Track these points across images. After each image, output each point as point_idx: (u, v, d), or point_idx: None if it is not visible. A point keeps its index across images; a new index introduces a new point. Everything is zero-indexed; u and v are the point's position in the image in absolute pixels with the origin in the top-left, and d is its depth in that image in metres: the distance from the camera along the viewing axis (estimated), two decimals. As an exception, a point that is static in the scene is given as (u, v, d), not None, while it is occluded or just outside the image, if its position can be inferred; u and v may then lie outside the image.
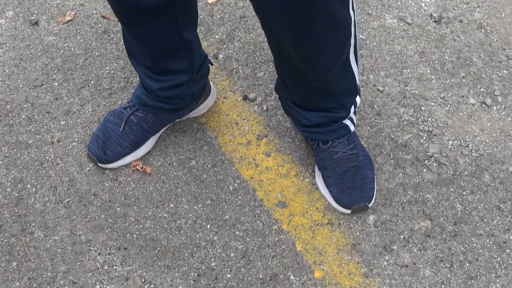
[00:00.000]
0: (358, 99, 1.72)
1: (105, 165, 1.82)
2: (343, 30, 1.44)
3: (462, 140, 1.90)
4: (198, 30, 2.17)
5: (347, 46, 1.50)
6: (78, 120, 1.93)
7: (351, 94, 1.68)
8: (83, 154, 1.86)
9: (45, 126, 1.92)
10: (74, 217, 1.75)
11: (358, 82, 1.67)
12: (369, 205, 1.73)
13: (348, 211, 1.73)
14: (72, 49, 2.11)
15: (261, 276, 1.64)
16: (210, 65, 1.82)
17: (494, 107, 1.98)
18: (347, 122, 1.75)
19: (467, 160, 1.86)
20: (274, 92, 1.99)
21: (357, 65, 1.61)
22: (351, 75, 1.61)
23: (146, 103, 1.77)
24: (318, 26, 1.34)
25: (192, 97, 1.80)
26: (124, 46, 2.09)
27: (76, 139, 1.89)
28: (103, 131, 1.83)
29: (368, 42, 2.13)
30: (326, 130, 1.73)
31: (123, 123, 1.81)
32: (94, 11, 2.22)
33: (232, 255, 1.68)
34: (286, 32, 1.38)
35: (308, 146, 1.87)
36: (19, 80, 2.02)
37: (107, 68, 2.06)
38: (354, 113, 1.76)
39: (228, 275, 1.65)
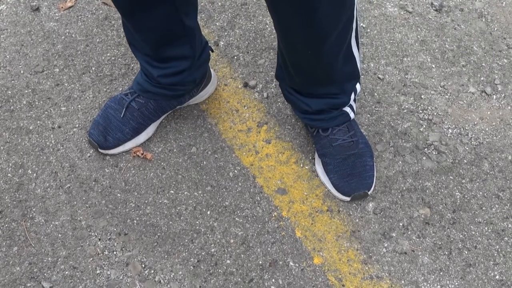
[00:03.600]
0: (358, 86, 1.73)
1: (105, 151, 1.83)
2: (348, 10, 1.45)
3: (462, 129, 1.90)
4: (199, 17, 2.17)
5: (351, 28, 1.51)
6: (79, 106, 1.94)
7: (352, 79, 1.69)
8: (83, 140, 1.86)
9: (46, 112, 1.92)
10: (75, 202, 1.75)
11: (359, 68, 1.68)
12: (369, 193, 1.74)
13: (348, 199, 1.74)
14: (73, 35, 2.11)
15: (260, 262, 1.65)
16: (210, 52, 1.83)
17: (494, 96, 1.98)
18: (347, 109, 1.75)
19: (467, 148, 1.86)
20: (274, 80, 1.99)
21: (358, 51, 1.62)
22: (353, 61, 1.62)
23: (147, 89, 1.78)
24: (325, 4, 1.35)
25: (193, 84, 1.80)
26: (124, 34, 2.10)
27: (77, 125, 1.90)
28: (104, 117, 1.83)
29: (369, 30, 2.13)
30: (326, 117, 1.73)
31: (124, 109, 1.81)
32: (95, -2, 2.23)
33: (231, 241, 1.69)
34: (295, 15, 1.38)
35: (308, 134, 1.88)
36: (20, 66, 2.03)
37: (108, 54, 2.06)
38: (354, 100, 1.77)
39: (228, 261, 1.65)
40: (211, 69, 1.93)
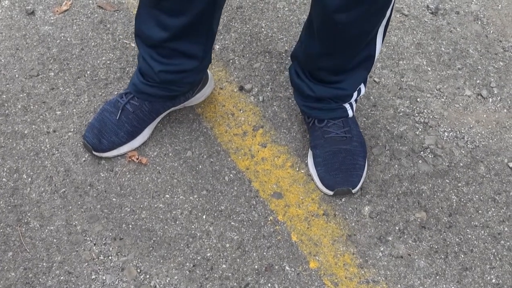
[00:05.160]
0: (363, 87, 1.75)
1: (100, 154, 1.82)
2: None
3: (458, 132, 1.90)
4: (194, 21, 2.17)
5: (385, 13, 1.53)
6: (74, 110, 1.93)
7: (363, 70, 1.69)
8: (79, 144, 1.86)
9: (41, 116, 1.91)
10: (70, 207, 1.75)
11: (376, 58, 1.67)
12: (353, 191, 1.74)
13: (331, 193, 1.74)
14: (68, 39, 2.10)
15: (256, 266, 1.65)
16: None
17: (490, 99, 1.98)
18: (347, 105, 1.77)
19: (463, 151, 1.86)
20: (270, 83, 1.99)
21: (382, 41, 1.63)
22: (373, 48, 1.63)
23: (141, 90, 1.77)
24: None
25: (190, 86, 1.80)
26: (120, 37, 2.09)
27: (72, 129, 1.89)
28: (99, 120, 1.83)
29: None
30: (324, 107, 1.75)
31: (119, 111, 1.81)
32: (90, 1, 2.22)
33: (227, 245, 1.68)
34: None
35: (304, 137, 1.88)
36: (15, 70, 2.02)
37: (103, 58, 2.06)
38: (356, 100, 1.78)
39: (224, 266, 1.65)
40: (208, 71, 1.92)
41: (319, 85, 1.72)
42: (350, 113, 1.79)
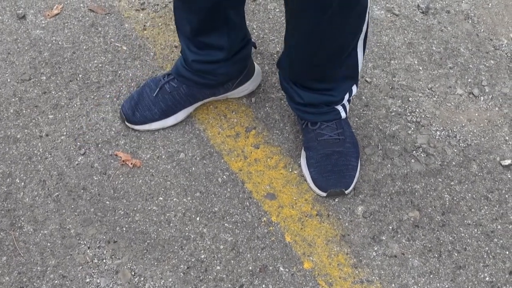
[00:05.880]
0: (355, 88, 1.76)
1: (131, 126, 1.88)
2: (358, 15, 1.52)
3: (450, 131, 1.91)
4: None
5: (359, 32, 1.57)
6: (67, 114, 1.93)
7: (349, 80, 1.72)
8: (71, 148, 1.86)
9: (33, 120, 1.91)
10: (63, 211, 1.75)
11: (359, 70, 1.70)
12: (346, 192, 1.75)
13: (324, 194, 1.74)
14: (59, 42, 2.10)
15: (250, 268, 1.65)
16: (254, 48, 1.90)
17: (482, 98, 1.99)
18: (339, 107, 1.77)
19: (455, 150, 1.87)
20: (262, 84, 1.99)
21: (363, 54, 1.66)
22: (354, 62, 1.66)
23: (181, 73, 1.82)
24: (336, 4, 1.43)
25: (226, 77, 1.84)
26: (112, 40, 2.10)
27: (65, 133, 1.89)
28: (139, 93, 1.89)
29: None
30: (316, 111, 1.75)
31: (158, 89, 1.86)
32: (81, 5, 2.22)
33: (221, 247, 1.68)
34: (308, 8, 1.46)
35: (297, 138, 1.88)
36: (6, 75, 2.02)
37: (95, 61, 2.06)
38: (348, 100, 1.79)
39: (218, 267, 1.65)
40: (256, 67, 1.95)
41: (307, 92, 1.72)
42: (343, 114, 1.79)
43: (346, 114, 1.80)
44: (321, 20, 1.47)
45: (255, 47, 1.89)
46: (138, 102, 1.87)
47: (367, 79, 2.01)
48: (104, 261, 1.67)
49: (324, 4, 1.43)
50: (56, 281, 1.63)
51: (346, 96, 1.75)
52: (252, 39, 1.86)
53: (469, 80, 2.02)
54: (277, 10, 2.21)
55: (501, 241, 1.70)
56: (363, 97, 1.96)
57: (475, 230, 1.72)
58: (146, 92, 1.88)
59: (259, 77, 1.97)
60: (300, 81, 1.72)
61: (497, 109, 1.96)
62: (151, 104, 1.86)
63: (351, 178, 1.76)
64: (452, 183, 1.80)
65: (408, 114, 1.93)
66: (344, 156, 1.77)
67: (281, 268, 1.65)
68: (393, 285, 1.62)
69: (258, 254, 1.67)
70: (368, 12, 1.55)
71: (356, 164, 1.78)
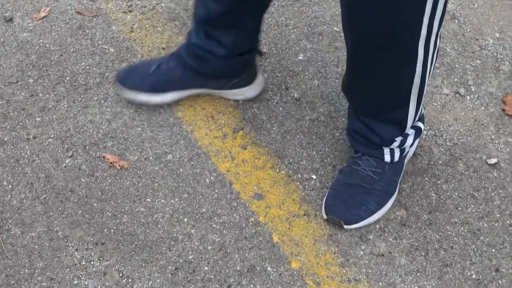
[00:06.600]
0: (409, 139, 1.71)
1: (120, 88, 1.95)
2: (406, 68, 1.50)
3: (436, 130, 1.91)
4: (173, 25, 2.18)
5: (405, 83, 1.54)
6: (54, 116, 1.93)
7: (395, 130, 1.67)
8: (59, 150, 1.86)
9: (21, 123, 1.91)
10: (51, 213, 1.75)
11: (408, 126, 1.66)
12: (345, 227, 1.69)
13: (325, 216, 1.71)
14: (47, 45, 2.11)
15: (238, 268, 1.65)
16: (259, 55, 1.93)
17: (468, 97, 2.00)
18: (386, 149, 1.71)
19: (441, 149, 1.87)
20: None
21: (417, 107, 1.62)
22: (403, 109, 1.62)
23: (180, 53, 1.88)
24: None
25: (220, 72, 1.87)
26: (99, 42, 2.10)
27: (52, 136, 1.89)
28: (139, 64, 1.99)
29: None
30: (360, 140, 1.72)
31: (156, 66, 1.91)
32: (68, 7, 2.22)
33: (209, 248, 1.69)
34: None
35: (284, 139, 1.89)
36: (-6, 78, 2.02)
37: (82, 64, 2.06)
38: (401, 150, 1.73)
39: (206, 268, 1.65)
40: (259, 77, 1.97)
41: (356, 119, 1.69)
42: (388, 158, 1.72)
43: (391, 159, 1.72)
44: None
45: (261, 55, 1.90)
46: (134, 70, 1.94)
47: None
48: (92, 263, 1.67)
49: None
50: (44, 284, 1.63)
51: (395, 143, 1.69)
52: (261, 48, 1.88)
53: (455, 79, 2.03)
54: (264, 11, 2.21)
55: (488, 238, 1.71)
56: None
57: (462, 228, 1.73)
58: (145, 65, 1.94)
59: (259, 87, 1.97)
60: (352, 105, 1.72)
61: (483, 108, 1.97)
62: (145, 76, 1.90)
63: (358, 217, 1.69)
64: (439, 182, 1.81)
65: (395, 113, 1.94)
66: (366, 194, 1.71)
67: (269, 268, 1.65)
68: (380, 283, 1.63)
69: (246, 254, 1.68)
70: (424, 63, 1.49)
71: (373, 209, 1.71)
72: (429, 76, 1.55)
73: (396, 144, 1.70)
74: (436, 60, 1.55)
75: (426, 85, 1.56)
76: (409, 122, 1.65)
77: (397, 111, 1.62)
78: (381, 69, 1.51)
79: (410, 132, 1.70)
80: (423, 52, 1.45)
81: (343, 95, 1.92)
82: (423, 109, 1.69)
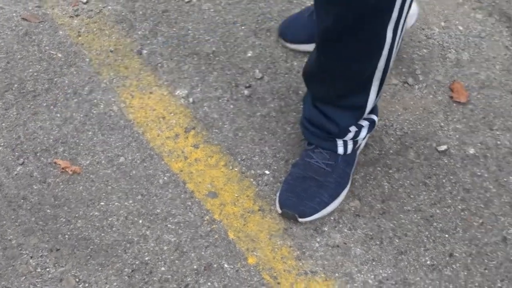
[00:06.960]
0: (363, 132, 1.72)
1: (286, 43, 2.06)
2: (375, 49, 1.48)
3: (386, 120, 1.94)
4: (120, 27, 2.17)
5: (371, 66, 1.52)
6: (3, 124, 1.91)
7: (352, 117, 1.67)
8: (9, 159, 1.84)
9: (-31, 133, 1.89)
10: (4, 222, 1.73)
11: (366, 112, 1.66)
12: (299, 220, 1.70)
13: (279, 210, 1.72)
14: (-7, 53, 2.08)
15: (195, 267, 1.65)
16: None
17: (416, 86, 2.02)
18: (339, 142, 1.72)
19: (392, 139, 1.90)
20: (199, 84, 2.00)
21: (377, 95, 1.62)
22: (364, 93, 1.61)
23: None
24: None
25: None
26: (46, 48, 2.08)
27: (2, 144, 1.87)
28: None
29: (290, 29, 2.14)
30: (315, 132, 1.72)
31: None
32: (14, 14, 2.20)
33: (165, 248, 1.68)
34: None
35: (236, 136, 1.89)
36: None
37: (30, 70, 2.04)
38: (354, 141, 1.73)
39: (163, 268, 1.65)
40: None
41: (313, 108, 1.69)
42: (341, 150, 1.73)
43: (345, 151, 1.73)
44: None
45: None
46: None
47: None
48: (48, 269, 1.65)
49: None
50: (-1, 293, 1.61)
51: (349, 135, 1.70)
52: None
53: (403, 69, 2.06)
54: (212, 10, 2.22)
55: (440, 224, 1.73)
56: (300, 92, 1.98)
57: (415, 215, 1.75)
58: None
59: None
60: (313, 94, 1.70)
61: (431, 96, 2.00)
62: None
63: (312, 210, 1.70)
64: (391, 171, 1.83)
65: (345, 106, 1.95)
66: (319, 187, 1.71)
67: (226, 265, 1.66)
68: (336, 274, 1.64)
69: (202, 253, 1.68)
70: (391, 46, 1.48)
71: (327, 201, 1.71)
72: (392, 60, 1.54)
73: (350, 135, 1.71)
74: (400, 44, 1.55)
75: (389, 69, 1.55)
76: (369, 106, 1.64)
77: (358, 96, 1.61)
78: (351, 52, 1.48)
79: (365, 124, 1.71)
80: (391, 35, 1.44)
81: (293, 89, 1.93)
82: (379, 98, 1.70)
